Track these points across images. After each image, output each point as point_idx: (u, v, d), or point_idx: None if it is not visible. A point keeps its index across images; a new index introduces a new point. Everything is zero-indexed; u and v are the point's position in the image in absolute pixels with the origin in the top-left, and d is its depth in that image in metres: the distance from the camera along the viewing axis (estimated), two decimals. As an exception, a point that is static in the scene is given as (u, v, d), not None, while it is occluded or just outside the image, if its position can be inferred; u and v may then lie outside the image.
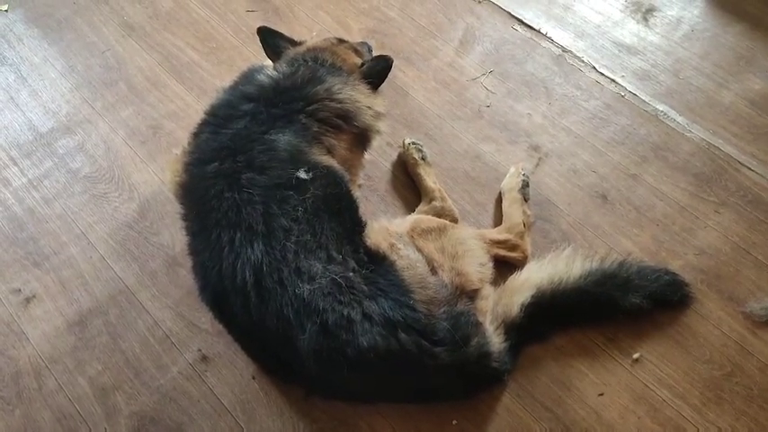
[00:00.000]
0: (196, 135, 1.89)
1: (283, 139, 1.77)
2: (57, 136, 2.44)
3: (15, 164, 2.37)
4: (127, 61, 2.65)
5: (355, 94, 1.99)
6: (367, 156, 2.15)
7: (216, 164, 1.73)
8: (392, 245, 1.80)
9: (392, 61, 2.08)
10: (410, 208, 2.21)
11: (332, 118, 1.92)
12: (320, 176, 1.75)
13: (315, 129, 1.85)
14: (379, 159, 2.34)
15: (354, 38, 2.67)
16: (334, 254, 1.66)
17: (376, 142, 2.13)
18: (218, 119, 1.86)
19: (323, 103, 1.92)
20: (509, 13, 2.77)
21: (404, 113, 2.48)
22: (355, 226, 1.81)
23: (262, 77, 1.98)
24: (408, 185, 2.28)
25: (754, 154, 2.32)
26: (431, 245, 1.86)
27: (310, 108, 1.89)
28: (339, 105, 1.94)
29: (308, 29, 2.74)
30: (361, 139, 2.03)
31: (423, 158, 2.27)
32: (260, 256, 1.57)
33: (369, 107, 2.02)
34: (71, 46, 2.71)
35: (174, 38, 2.73)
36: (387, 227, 1.86)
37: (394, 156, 2.35)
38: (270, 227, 1.62)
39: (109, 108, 2.50)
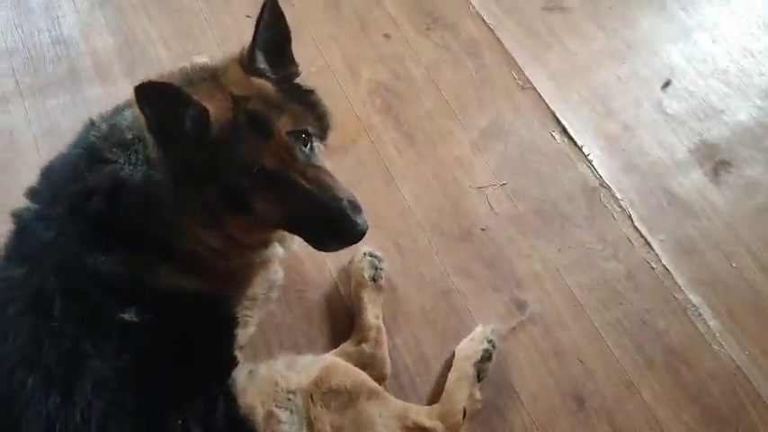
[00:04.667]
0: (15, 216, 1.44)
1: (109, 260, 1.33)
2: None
3: None
4: (82, 37, 2.27)
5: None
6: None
7: (24, 270, 1.31)
8: (270, 414, 1.39)
9: None
10: (337, 340, 1.80)
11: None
12: (163, 315, 1.33)
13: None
14: (330, 256, 1.93)
15: (359, 89, 2.26)
16: (170, 419, 1.26)
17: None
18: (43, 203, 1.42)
19: None
20: (552, 113, 2.30)
21: (378, 206, 2.04)
22: (220, 374, 1.42)
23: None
24: (349, 306, 1.87)
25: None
26: (328, 419, 1.46)
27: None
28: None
29: (310, 59, 2.32)
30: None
31: (374, 280, 1.84)
32: (53, 416, 1.17)
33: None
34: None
35: (150, 24, 2.34)
36: (277, 379, 1.45)
37: (347, 258, 1.95)
38: (76, 373, 1.21)
39: (36, 90, 2.13)
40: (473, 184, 2.12)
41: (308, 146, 1.41)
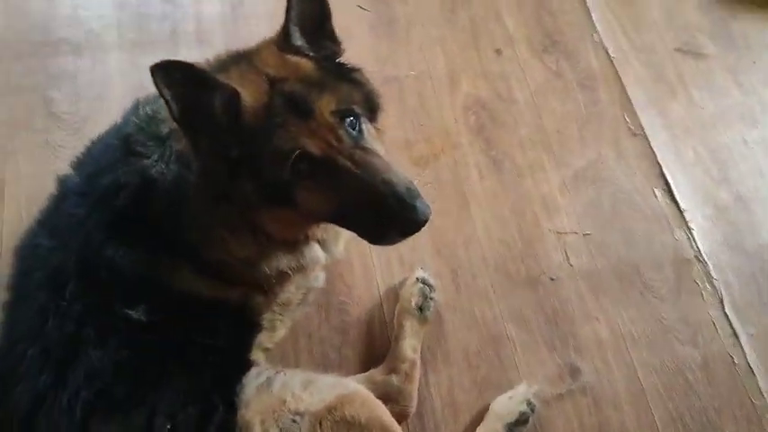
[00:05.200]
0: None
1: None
2: (52, 51, 2.12)
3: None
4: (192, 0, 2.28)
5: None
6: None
7: (52, 244, 1.29)
8: (267, 435, 1.33)
9: None
10: (368, 363, 1.70)
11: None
12: (174, 317, 1.28)
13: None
14: (382, 271, 1.85)
15: (456, 102, 2.13)
16: (158, 422, 1.21)
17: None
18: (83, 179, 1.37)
19: None
20: (660, 168, 2.08)
21: (445, 230, 1.92)
22: (228, 380, 1.35)
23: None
24: (389, 331, 1.76)
25: None
26: (331, 451, 1.37)
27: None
28: None
29: (412, 62, 2.21)
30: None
31: (420, 310, 1.72)
32: (41, 394, 1.15)
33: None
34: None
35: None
36: (286, 397, 1.36)
37: (400, 277, 1.84)
38: (72, 357, 1.18)
39: (136, 45, 2.14)
40: (553, 228, 1.95)
41: (356, 127, 1.27)
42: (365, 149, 1.26)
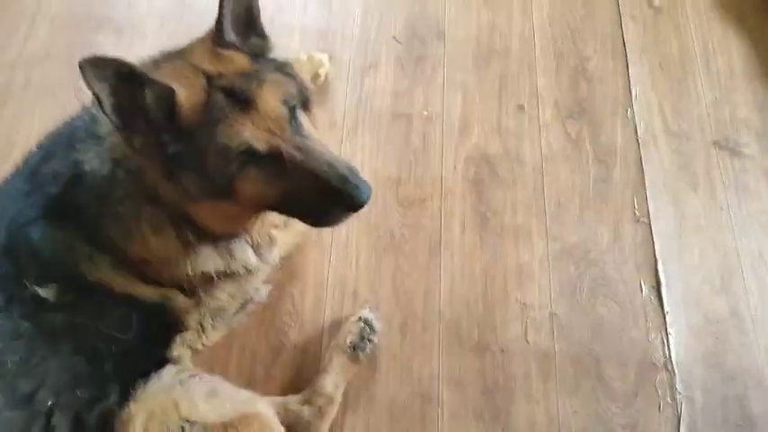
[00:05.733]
0: None
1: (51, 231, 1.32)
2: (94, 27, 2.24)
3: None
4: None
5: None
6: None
7: None
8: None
9: None
10: (290, 389, 1.70)
11: None
12: (85, 303, 1.33)
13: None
14: (333, 302, 1.84)
15: (460, 150, 2.11)
16: (41, 398, 1.26)
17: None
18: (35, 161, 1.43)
19: None
20: (654, 262, 1.95)
21: (408, 276, 1.89)
22: (133, 373, 1.38)
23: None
24: (318, 363, 1.75)
25: None
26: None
27: None
28: None
29: (428, 102, 2.19)
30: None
31: (354, 349, 1.70)
32: None
33: None
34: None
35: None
36: (181, 402, 1.38)
37: (350, 311, 1.83)
38: None
39: (169, 35, 2.22)
40: (520, 298, 1.88)
41: (295, 117, 1.31)
42: (306, 137, 1.31)
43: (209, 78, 1.25)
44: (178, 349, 1.62)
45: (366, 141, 2.12)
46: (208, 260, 1.45)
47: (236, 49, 1.35)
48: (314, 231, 1.88)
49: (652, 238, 2.01)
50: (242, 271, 1.54)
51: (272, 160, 1.26)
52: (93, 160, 1.30)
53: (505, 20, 2.40)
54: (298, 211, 1.36)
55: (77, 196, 1.31)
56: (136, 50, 2.20)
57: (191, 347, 1.66)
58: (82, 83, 2.19)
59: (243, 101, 1.24)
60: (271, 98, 1.26)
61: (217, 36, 1.34)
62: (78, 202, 1.31)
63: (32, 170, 1.38)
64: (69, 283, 1.32)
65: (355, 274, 1.90)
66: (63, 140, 1.37)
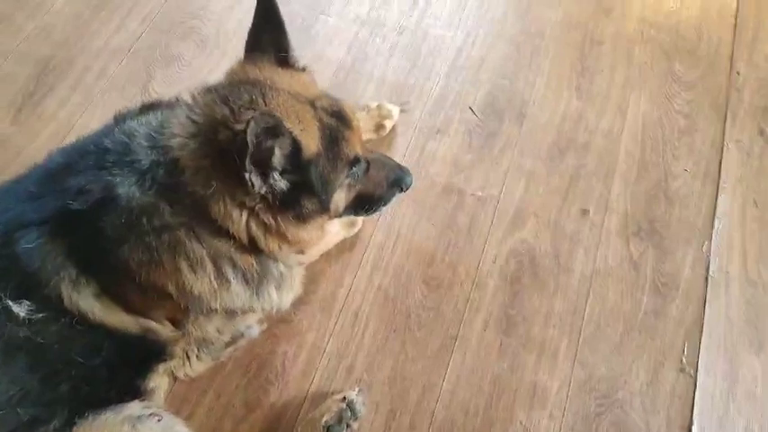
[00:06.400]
0: None
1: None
2: (181, 33, 2.28)
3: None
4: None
5: None
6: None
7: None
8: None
9: None
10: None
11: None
12: (55, 326, 1.27)
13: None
14: (324, 373, 1.73)
15: (505, 241, 1.95)
16: None
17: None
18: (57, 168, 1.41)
19: None
20: (690, 421, 1.70)
21: (412, 363, 1.75)
22: (89, 401, 1.33)
23: None
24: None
25: None
26: None
27: None
28: None
29: (486, 182, 2.05)
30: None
31: (327, 430, 1.58)
32: None
33: None
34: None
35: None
36: None
37: (338, 387, 1.71)
38: None
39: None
40: (525, 423, 1.70)
41: None
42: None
43: (312, 104, 1.37)
44: (156, 379, 1.56)
45: (409, 208, 2.01)
46: (237, 298, 1.43)
47: (298, 68, 1.47)
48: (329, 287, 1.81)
49: (694, 393, 1.77)
50: (240, 310, 1.51)
51: (359, 165, 1.46)
52: (129, 187, 1.27)
53: (595, 113, 2.24)
54: (363, 204, 1.58)
55: (101, 218, 1.27)
56: (210, 66, 2.23)
57: (174, 375, 1.62)
58: (151, 85, 2.20)
59: (344, 119, 1.42)
60: (354, 114, 1.47)
61: (284, 58, 1.44)
62: (97, 223, 1.27)
63: (49, 176, 1.35)
64: (44, 303, 1.27)
65: (357, 346, 1.78)
66: (92, 158, 1.33)
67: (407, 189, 1.63)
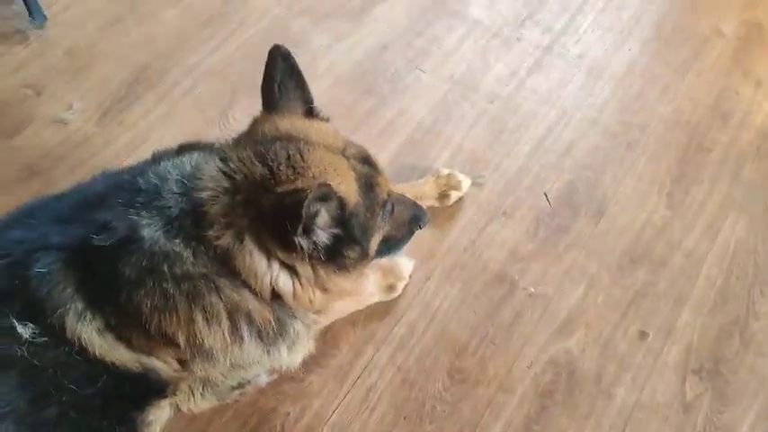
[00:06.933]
0: None
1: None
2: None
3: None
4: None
5: None
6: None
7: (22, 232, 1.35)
8: None
9: None
10: None
11: None
12: (54, 352, 1.27)
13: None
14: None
15: (546, 348, 1.81)
16: None
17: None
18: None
19: None
20: None
21: None
22: (65, 421, 1.32)
23: None
24: None
25: None
26: None
27: None
28: None
29: (542, 279, 1.91)
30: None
31: None
32: None
33: None
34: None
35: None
36: None
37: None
38: None
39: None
40: None
41: None
42: None
43: (344, 154, 1.38)
44: (156, 413, 1.55)
45: (454, 290, 1.90)
46: (248, 356, 1.41)
47: (321, 118, 1.49)
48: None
49: None
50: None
51: (387, 206, 1.45)
52: (155, 231, 1.26)
53: (682, 228, 2.04)
54: (387, 248, 1.54)
55: (121, 257, 1.26)
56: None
57: (177, 407, 1.60)
58: (231, 112, 2.23)
59: (372, 163, 1.43)
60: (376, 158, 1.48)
61: (311, 110, 1.47)
62: (116, 262, 1.26)
63: (84, 202, 1.36)
64: (48, 330, 1.27)
65: (362, 425, 1.69)
66: (124, 195, 1.32)
67: (424, 226, 1.63)
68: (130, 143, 2.12)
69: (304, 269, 1.32)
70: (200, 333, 1.31)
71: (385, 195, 1.43)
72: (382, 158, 2.05)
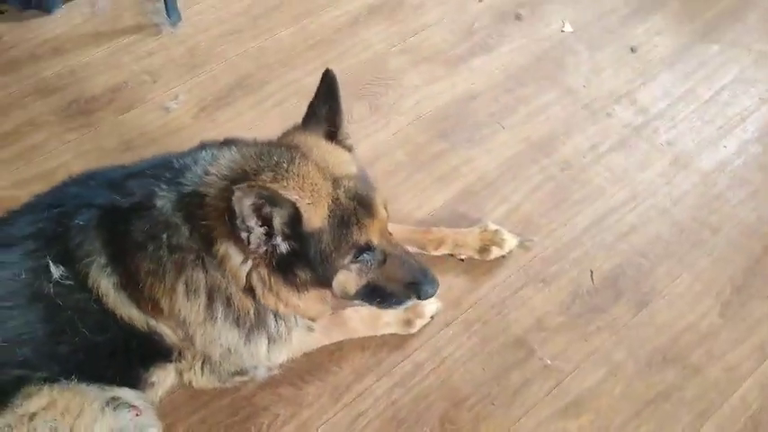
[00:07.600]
0: None
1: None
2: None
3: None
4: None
5: None
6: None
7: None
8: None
9: None
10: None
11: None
12: (77, 295, 1.44)
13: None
14: None
15: (528, 423, 1.76)
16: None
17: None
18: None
19: None
20: None
21: None
22: (76, 368, 1.47)
23: None
24: None
25: None
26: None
27: None
28: None
29: (567, 359, 1.86)
30: None
31: None
32: None
33: None
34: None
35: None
36: (85, 413, 1.43)
37: None
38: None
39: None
40: None
41: None
42: (391, 236, 1.56)
43: (335, 182, 1.42)
44: (160, 375, 1.68)
45: (469, 342, 1.91)
46: (222, 337, 1.55)
47: (344, 146, 1.55)
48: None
49: None
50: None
51: (385, 257, 1.49)
52: (167, 203, 1.43)
53: (730, 341, 1.92)
54: (375, 295, 1.56)
55: (133, 220, 1.44)
56: (368, 131, 2.35)
57: (180, 374, 1.71)
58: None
59: (367, 205, 1.44)
60: (380, 203, 1.48)
61: (333, 133, 1.54)
62: (129, 224, 1.44)
63: (133, 173, 1.55)
64: (75, 276, 1.46)
65: (341, 444, 1.75)
66: (159, 171, 1.51)
67: (425, 298, 1.60)
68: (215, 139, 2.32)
69: (261, 271, 1.43)
70: (179, 302, 1.47)
71: (365, 239, 1.44)
72: (435, 201, 2.19)
